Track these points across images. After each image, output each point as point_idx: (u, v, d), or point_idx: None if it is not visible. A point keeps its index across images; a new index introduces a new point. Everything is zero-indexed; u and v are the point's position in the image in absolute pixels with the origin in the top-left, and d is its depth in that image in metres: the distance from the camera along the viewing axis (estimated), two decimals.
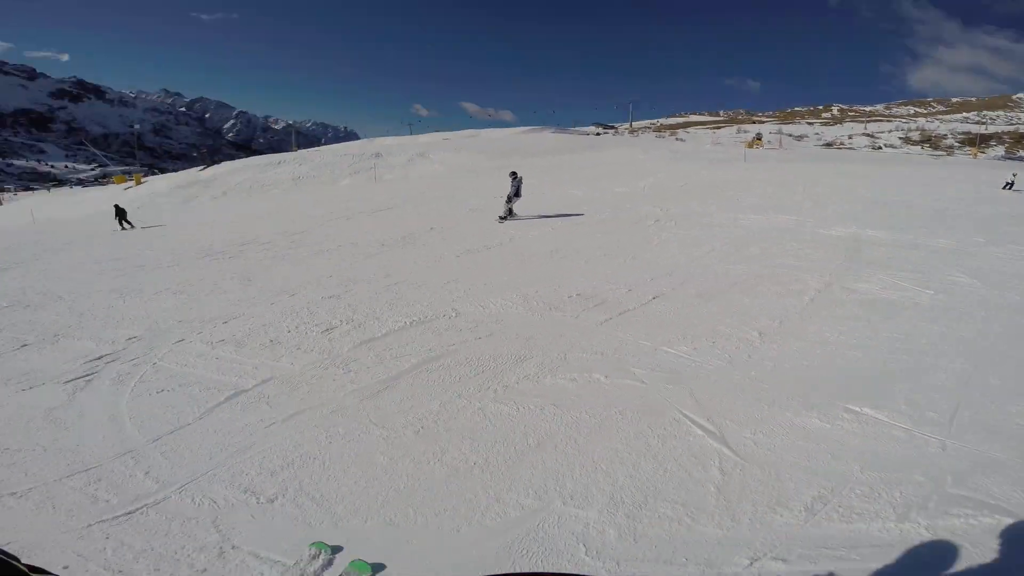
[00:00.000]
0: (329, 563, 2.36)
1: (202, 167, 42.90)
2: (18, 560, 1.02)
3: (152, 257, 10.25)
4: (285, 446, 3.30)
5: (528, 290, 6.06)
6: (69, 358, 4.96)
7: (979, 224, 9.71)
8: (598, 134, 74.20)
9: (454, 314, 5.40)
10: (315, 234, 11.35)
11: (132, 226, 17.19)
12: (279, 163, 37.70)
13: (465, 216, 12.18)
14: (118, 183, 44.29)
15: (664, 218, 10.26)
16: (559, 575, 1.96)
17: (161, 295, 7.15)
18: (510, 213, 11.16)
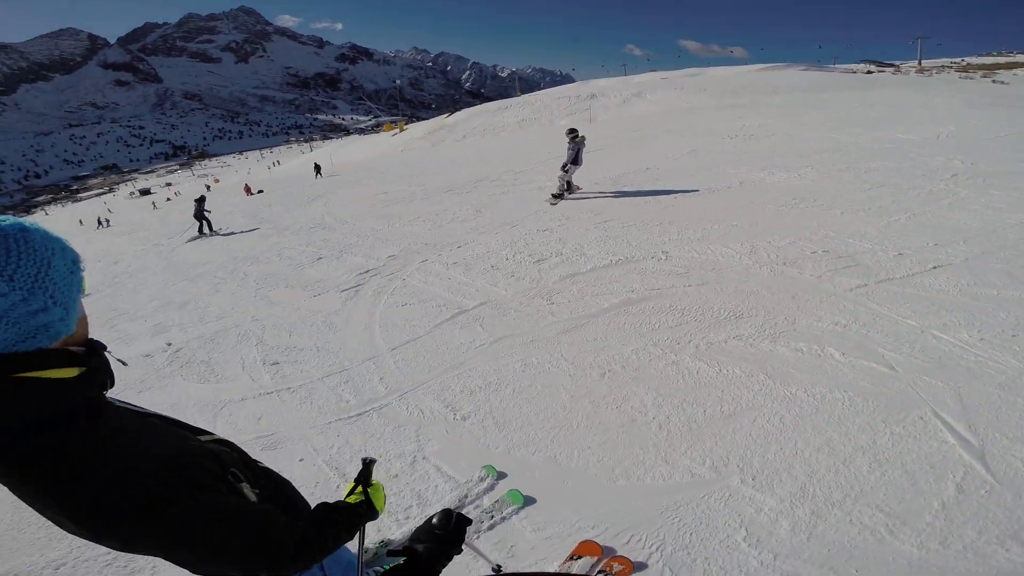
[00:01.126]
0: (492, 487, 2.58)
1: (447, 114, 49.34)
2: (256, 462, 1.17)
3: (408, 192, 12.38)
4: (487, 368, 3.69)
5: (758, 240, 5.30)
6: (347, 270, 6.47)
7: None
8: (869, 72, 57.81)
9: (663, 256, 5.13)
10: (534, 172, 12.00)
11: (321, 176, 19.83)
12: (506, 108, 40.97)
13: (685, 157, 11.16)
14: (387, 131, 53.89)
15: (968, 173, 7.56)
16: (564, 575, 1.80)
17: (414, 222, 8.65)
18: (567, 188, 8.56)
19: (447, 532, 1.08)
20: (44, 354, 0.71)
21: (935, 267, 4.33)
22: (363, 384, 3.76)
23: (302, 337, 4.78)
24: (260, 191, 21.80)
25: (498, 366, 3.68)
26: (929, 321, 3.54)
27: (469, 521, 1.14)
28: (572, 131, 8.57)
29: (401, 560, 1.07)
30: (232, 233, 11.50)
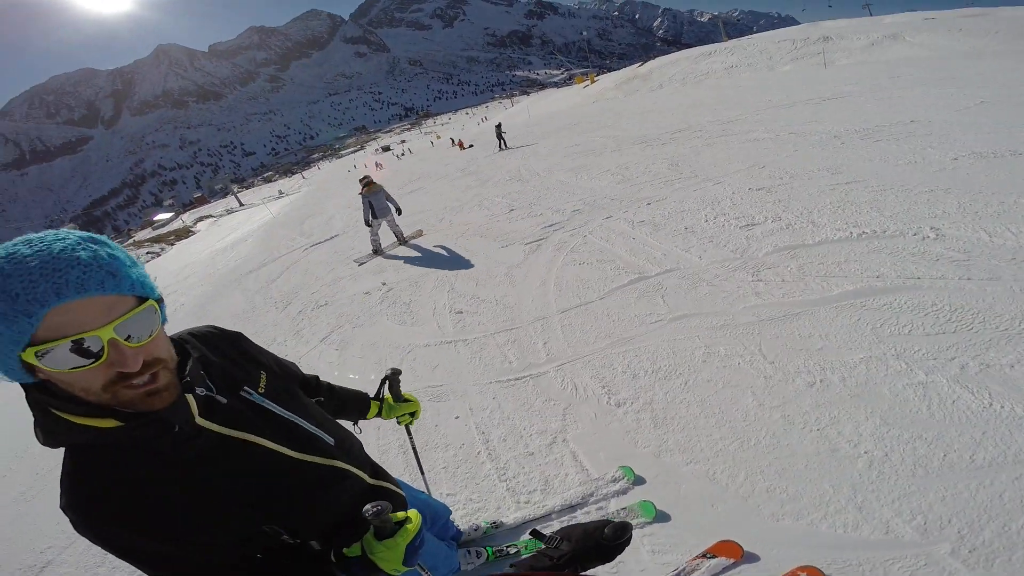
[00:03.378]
0: (624, 491, 2.25)
1: (640, 63, 46.17)
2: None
3: (599, 144, 11.92)
4: (660, 350, 3.24)
5: None
6: (534, 223, 6.53)
7: None
8: None
9: (932, 235, 3.80)
10: (748, 122, 10.30)
11: (507, 146, 17.01)
12: (711, 54, 36.57)
13: (972, 109, 8.23)
14: (578, 83, 53.28)
15: None
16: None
17: (602, 175, 8.29)
18: (375, 249, 7.58)
19: (612, 546, 0.94)
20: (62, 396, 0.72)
21: None
22: (528, 346, 3.73)
23: (486, 288, 5.01)
24: (471, 145, 23.73)
25: (674, 349, 3.22)
26: None
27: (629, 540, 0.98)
28: (364, 180, 7.68)
29: (535, 544, 0.95)
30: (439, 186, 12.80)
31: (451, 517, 2.02)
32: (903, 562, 1.76)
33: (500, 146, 17.16)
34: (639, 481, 2.32)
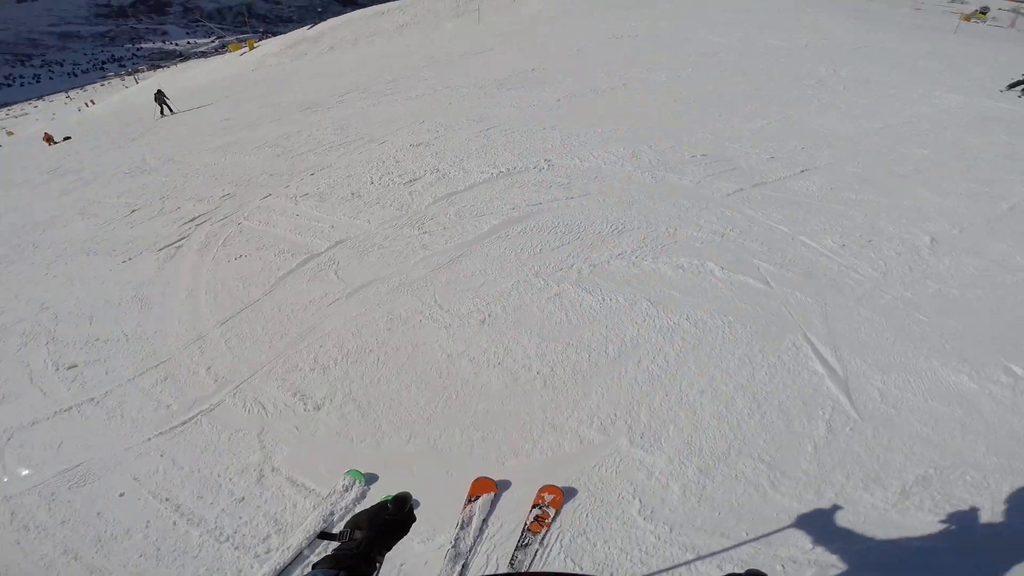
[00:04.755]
0: (363, 495, 2.11)
1: (309, 26, 43.06)
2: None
3: (255, 115, 10.35)
4: (343, 332, 3.00)
5: (640, 144, 5.01)
6: (168, 221, 5.08)
7: None
8: None
9: (546, 165, 4.65)
10: (412, 79, 10.61)
11: (172, 111, 15.34)
12: (383, 13, 36.62)
13: (571, 58, 10.49)
14: (234, 50, 45.99)
15: (831, 80, 7.88)
16: (561, 575, 1.64)
17: (260, 150, 7.17)
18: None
19: (400, 519, 0.95)
20: None
21: (803, 171, 4.39)
22: (186, 379, 2.92)
23: (106, 323, 3.60)
24: (66, 138, 17.29)
25: (358, 326, 3.02)
26: (799, 227, 3.54)
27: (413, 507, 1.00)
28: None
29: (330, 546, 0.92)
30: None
31: None
32: (605, 463, 2.05)
33: (163, 111, 15.63)
34: (371, 479, 2.15)
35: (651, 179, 4.24)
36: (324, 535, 0.93)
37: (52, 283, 4.44)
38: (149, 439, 2.58)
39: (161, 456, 2.47)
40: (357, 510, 2.00)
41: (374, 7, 41.58)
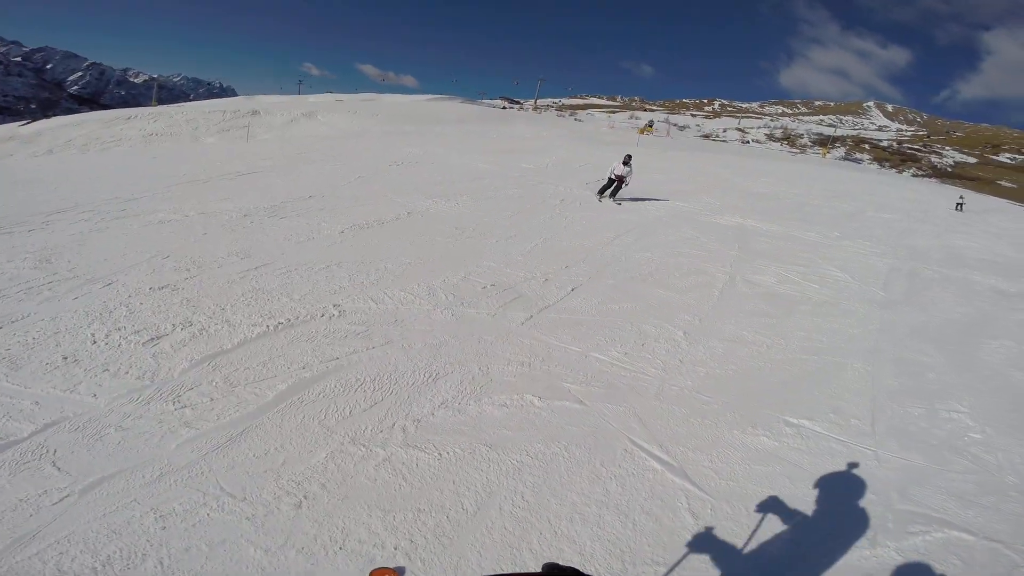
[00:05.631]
0: None
1: (25, 121, 34.41)
2: None
3: None
4: (93, 533, 2.12)
5: (433, 279, 5.10)
6: None
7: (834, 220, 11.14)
8: (504, 107, 74.84)
9: (336, 313, 4.23)
10: (156, 199, 8.95)
11: None
12: (128, 118, 32.13)
13: (352, 184, 10.56)
14: None
15: (569, 198, 9.89)
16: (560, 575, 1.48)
17: None
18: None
19: None
20: None
21: (573, 289, 5.14)
22: None
23: None
24: None
25: (113, 526, 2.17)
26: (587, 344, 4.04)
27: None
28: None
29: None
30: None
31: None
32: None
33: None
34: None
35: (451, 317, 4.30)
36: None
37: None
38: None
39: None
40: None
41: (120, 110, 35.65)
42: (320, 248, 5.93)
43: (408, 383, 3.32)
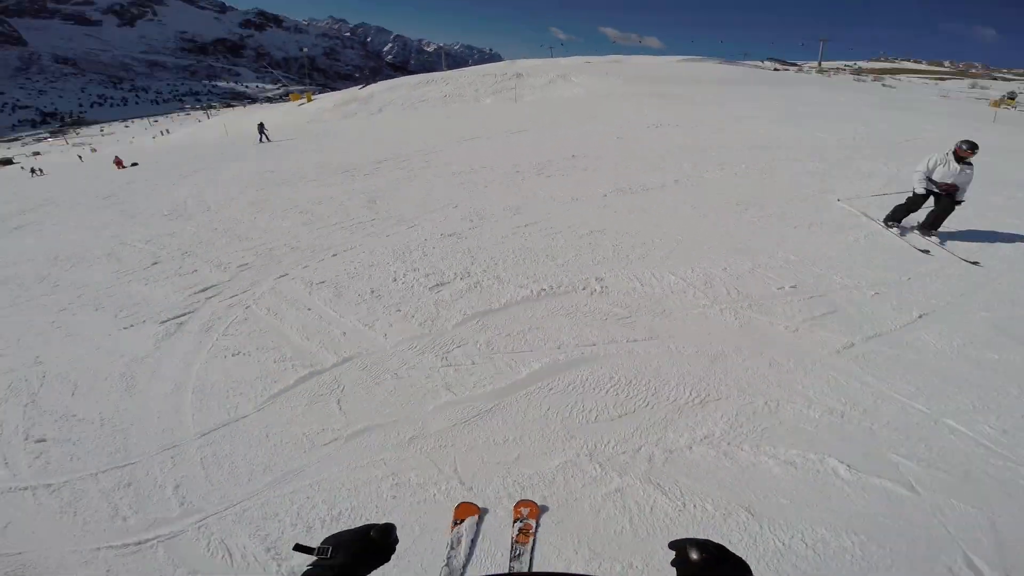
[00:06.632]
0: None
1: (361, 85, 45.97)
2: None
3: (297, 171, 10.23)
4: (337, 486, 2.34)
5: (711, 265, 4.20)
6: (181, 286, 4.62)
7: None
8: (776, 69, 63.36)
9: (598, 287, 3.88)
10: (449, 153, 10.39)
11: (268, 139, 19.40)
12: (428, 82, 39.41)
13: (612, 146, 10.13)
14: (294, 100, 49.68)
15: (896, 179, 7.25)
16: (561, 575, 1.42)
17: (288, 214, 6.79)
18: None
19: (383, 545, 0.86)
20: None
21: (921, 315, 3.51)
22: (150, 492, 2.41)
23: (87, 399, 3.13)
24: (134, 164, 18.03)
25: (355, 484, 2.34)
26: (938, 405, 2.66)
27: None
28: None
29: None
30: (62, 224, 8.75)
31: None
32: None
33: (261, 139, 19.29)
34: None
35: (734, 320, 3.42)
36: (300, 548, 0.84)
37: (53, 335, 4.04)
38: (98, 549, 2.18)
39: (107, 573, 2.07)
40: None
41: (421, 75, 44.31)
42: (583, 211, 5.70)
43: (669, 398, 2.72)
